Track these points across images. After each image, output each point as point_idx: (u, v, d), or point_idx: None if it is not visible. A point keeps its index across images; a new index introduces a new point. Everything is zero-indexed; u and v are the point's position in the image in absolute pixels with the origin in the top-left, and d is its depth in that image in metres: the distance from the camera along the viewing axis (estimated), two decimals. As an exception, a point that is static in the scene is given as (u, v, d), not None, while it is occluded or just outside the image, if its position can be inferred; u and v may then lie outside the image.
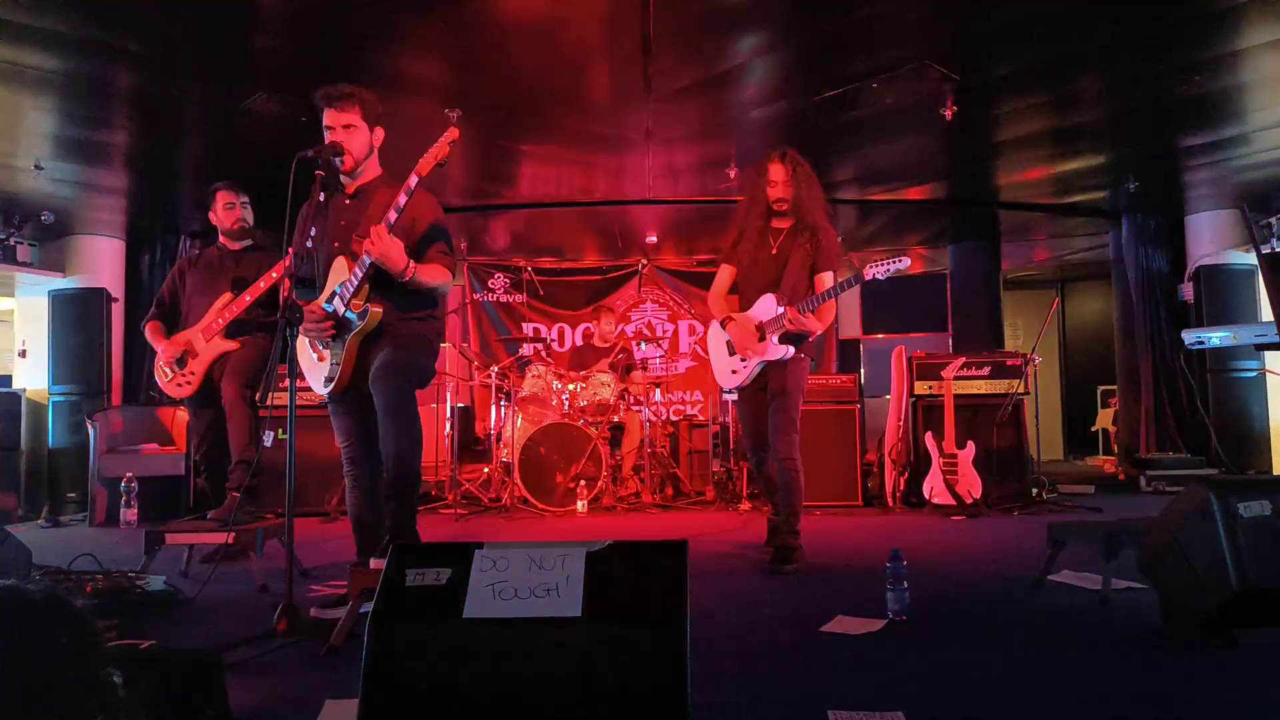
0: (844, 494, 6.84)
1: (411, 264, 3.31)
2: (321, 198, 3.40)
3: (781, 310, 4.33)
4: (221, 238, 5.04)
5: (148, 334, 5.01)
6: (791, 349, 4.41)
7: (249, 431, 4.69)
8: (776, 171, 4.47)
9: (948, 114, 5.87)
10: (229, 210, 4.96)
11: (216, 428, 4.88)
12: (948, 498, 6.50)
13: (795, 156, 4.51)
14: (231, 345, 4.78)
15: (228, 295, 4.80)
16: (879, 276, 4.24)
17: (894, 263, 4.26)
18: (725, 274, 4.69)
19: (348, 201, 3.53)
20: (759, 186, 4.55)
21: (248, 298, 4.74)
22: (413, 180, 3.23)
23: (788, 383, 4.42)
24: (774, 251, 4.52)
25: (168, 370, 4.84)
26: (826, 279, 4.48)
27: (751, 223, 4.59)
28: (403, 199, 3.22)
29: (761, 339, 4.43)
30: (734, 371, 4.59)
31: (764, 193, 4.51)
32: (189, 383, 4.81)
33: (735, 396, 4.77)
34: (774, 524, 4.71)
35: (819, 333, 4.44)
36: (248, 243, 5.04)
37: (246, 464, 4.65)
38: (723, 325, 4.58)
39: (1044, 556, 3.80)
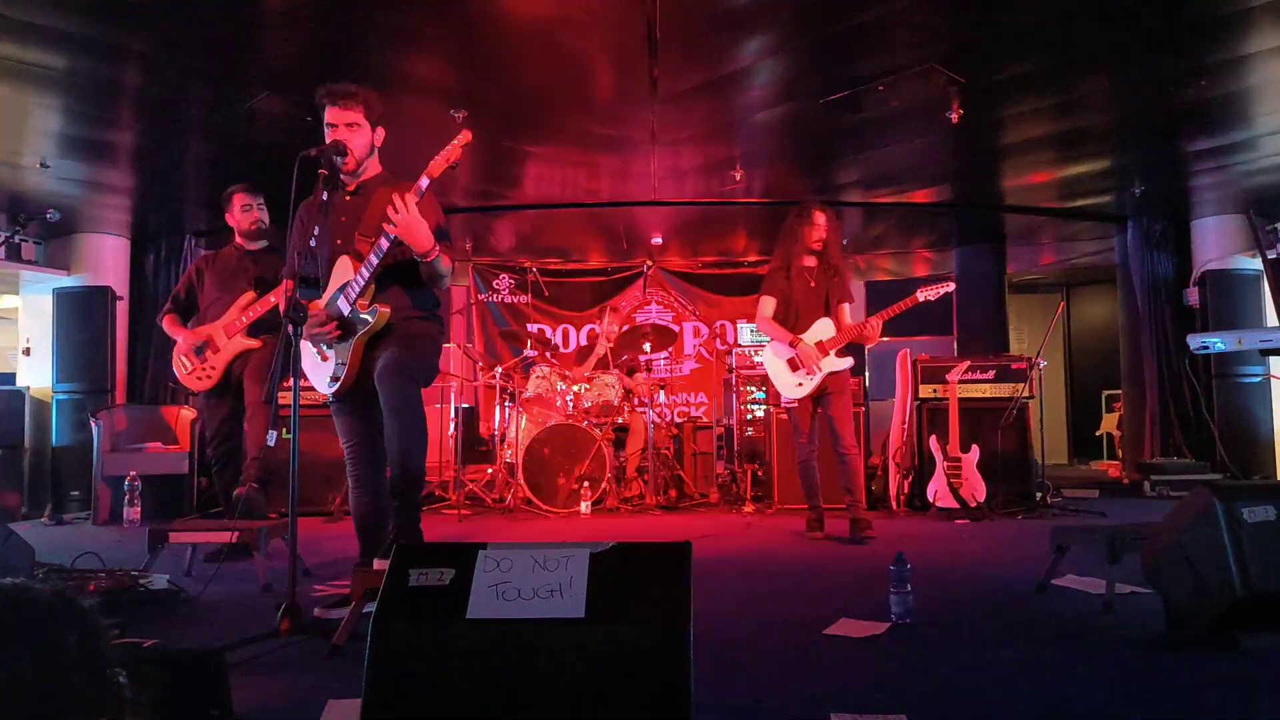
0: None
1: (437, 245, 3.30)
2: (325, 196, 3.40)
3: (858, 321, 5.36)
4: (238, 238, 5.08)
5: (165, 326, 5.10)
6: (851, 360, 5.42)
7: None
8: (820, 218, 5.44)
9: (953, 117, 5.86)
10: (246, 212, 5.01)
11: (232, 421, 4.95)
12: (951, 501, 6.49)
13: (829, 209, 5.54)
14: (253, 343, 4.83)
15: (251, 294, 4.86)
16: (931, 299, 5.32)
17: (942, 287, 5.40)
18: (771, 303, 5.55)
19: (349, 199, 3.53)
20: (799, 229, 5.46)
21: (272, 298, 4.78)
22: (424, 182, 3.23)
23: (844, 386, 5.45)
24: (813, 285, 5.49)
25: (187, 362, 4.90)
26: (845, 309, 5.49)
27: (791, 260, 5.50)
28: (414, 198, 3.21)
29: (825, 355, 5.33)
30: (800, 385, 5.40)
31: (805, 234, 5.44)
32: (209, 376, 4.88)
33: (795, 405, 5.48)
34: (814, 518, 5.60)
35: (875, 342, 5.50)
36: (264, 243, 5.09)
37: (264, 460, 4.69)
38: (792, 345, 5.38)
39: (1048, 560, 3.79)
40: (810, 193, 7.96)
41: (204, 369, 4.87)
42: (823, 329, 5.40)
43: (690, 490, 7.87)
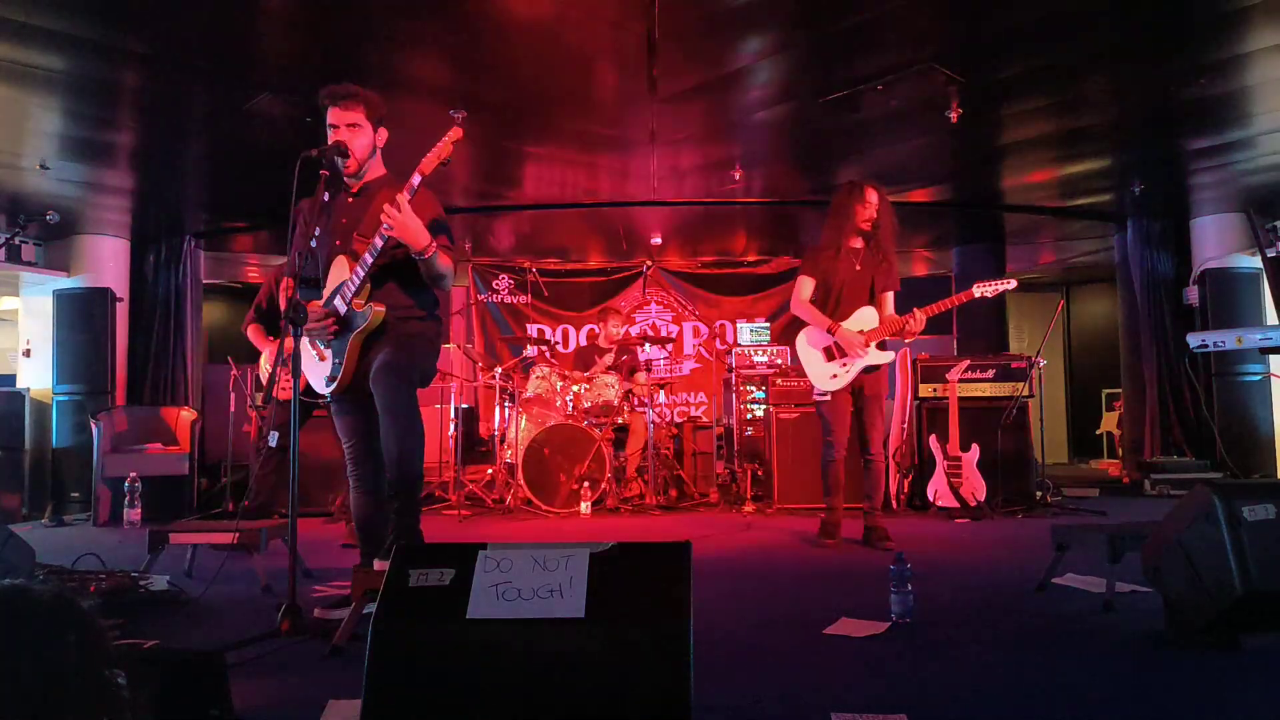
0: (848, 495, 6.81)
1: (434, 242, 3.29)
2: (326, 197, 3.41)
3: (903, 315, 4.94)
4: None
5: (250, 336, 5.30)
6: (893, 354, 5.09)
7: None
8: (873, 195, 5.02)
9: (953, 116, 5.87)
10: None
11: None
12: (952, 500, 6.49)
13: (883, 187, 5.10)
14: None
15: None
16: (988, 295, 5.02)
17: (1001, 284, 5.08)
18: (809, 285, 5.13)
19: (350, 200, 3.53)
20: (849, 207, 5.04)
21: None
22: (415, 179, 3.22)
23: (881, 388, 5.11)
24: (858, 268, 5.07)
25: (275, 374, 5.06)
26: (889, 298, 5.12)
27: (840, 241, 5.07)
28: (406, 197, 3.21)
29: (865, 346, 4.98)
30: (834, 376, 5.04)
31: (855, 213, 5.02)
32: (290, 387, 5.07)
33: (828, 399, 5.07)
34: (829, 522, 5.18)
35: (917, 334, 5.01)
36: None
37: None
38: (830, 332, 5.00)
39: (1048, 559, 3.79)
40: (810, 192, 7.98)
41: (289, 379, 5.05)
42: (864, 319, 5.02)
43: (690, 490, 7.86)
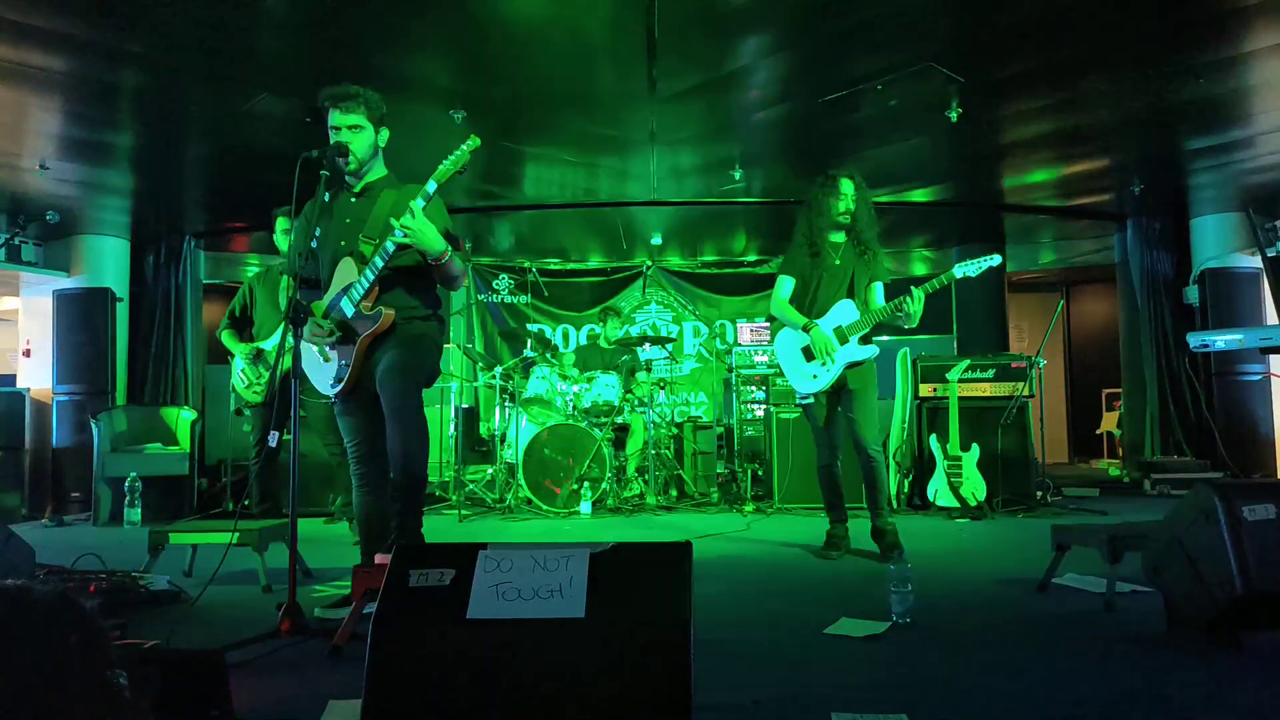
0: (848, 496, 6.80)
1: (449, 247, 3.30)
2: (326, 198, 3.41)
3: (862, 310, 4.70)
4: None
5: (224, 342, 5.40)
6: (876, 348, 4.75)
7: None
8: (846, 186, 4.79)
9: (952, 116, 5.87)
10: (286, 235, 5.15)
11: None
12: (952, 500, 6.49)
13: (858, 176, 4.86)
14: None
15: None
16: (970, 275, 4.72)
17: (984, 261, 4.77)
18: (788, 284, 4.91)
19: (353, 201, 3.53)
20: (823, 201, 4.81)
21: None
22: (431, 187, 3.24)
23: (867, 382, 4.77)
24: (837, 263, 4.83)
25: (246, 376, 5.19)
26: (877, 289, 4.87)
27: (815, 236, 4.85)
28: (421, 204, 3.23)
29: (844, 342, 4.71)
30: (815, 377, 4.79)
31: (829, 206, 4.78)
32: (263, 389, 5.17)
33: (812, 400, 4.86)
34: (837, 535, 4.90)
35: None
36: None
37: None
38: (805, 330, 4.75)
39: (1048, 559, 3.79)
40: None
41: (260, 382, 5.13)
42: (842, 313, 4.74)
43: (690, 490, 7.87)
